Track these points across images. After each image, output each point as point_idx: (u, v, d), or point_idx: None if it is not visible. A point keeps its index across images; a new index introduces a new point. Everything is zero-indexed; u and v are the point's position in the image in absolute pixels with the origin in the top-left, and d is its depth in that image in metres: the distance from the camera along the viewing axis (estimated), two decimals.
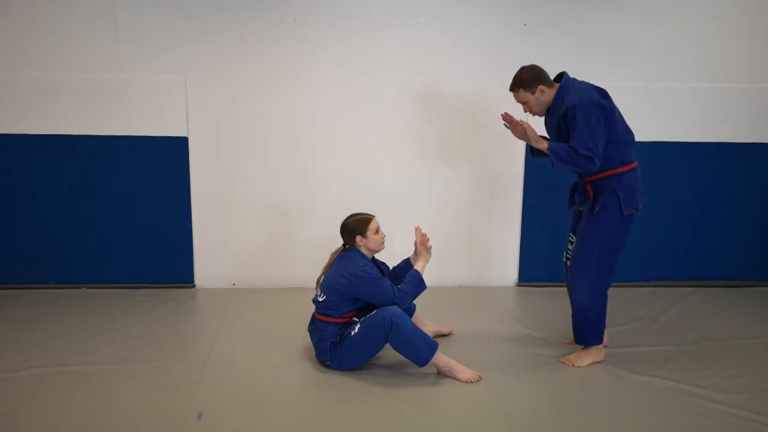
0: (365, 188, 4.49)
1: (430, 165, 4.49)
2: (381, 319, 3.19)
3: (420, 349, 3.22)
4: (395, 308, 3.24)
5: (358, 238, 3.40)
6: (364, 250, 3.42)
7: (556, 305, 4.30)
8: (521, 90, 3.33)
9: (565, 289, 4.57)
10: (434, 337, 3.68)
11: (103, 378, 3.28)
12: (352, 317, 3.36)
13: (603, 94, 3.27)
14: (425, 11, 4.30)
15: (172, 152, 4.38)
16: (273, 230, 4.54)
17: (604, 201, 3.31)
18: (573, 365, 3.41)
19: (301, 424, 2.90)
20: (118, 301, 4.29)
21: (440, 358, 3.29)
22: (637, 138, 4.45)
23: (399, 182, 4.51)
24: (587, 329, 3.42)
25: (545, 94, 3.32)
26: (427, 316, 3.95)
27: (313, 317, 3.45)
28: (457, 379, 3.27)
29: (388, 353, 3.49)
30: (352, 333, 3.27)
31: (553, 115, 3.36)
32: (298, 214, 4.52)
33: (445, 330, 3.82)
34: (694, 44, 4.42)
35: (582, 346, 3.50)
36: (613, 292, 4.49)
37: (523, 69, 3.35)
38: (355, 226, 3.41)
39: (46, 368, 3.37)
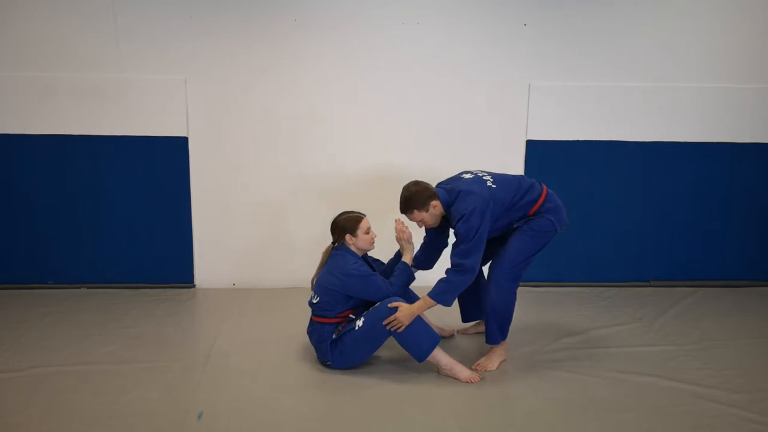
0: (365, 188, 4.49)
1: (430, 165, 4.48)
2: (387, 310, 3.20)
3: (421, 341, 3.23)
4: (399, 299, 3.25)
5: (348, 237, 3.38)
6: (353, 249, 3.40)
7: (555, 305, 4.30)
8: (415, 211, 3.31)
9: (565, 289, 4.59)
10: None
11: (103, 378, 3.28)
12: (348, 315, 3.36)
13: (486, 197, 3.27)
14: (425, 11, 4.29)
15: (172, 152, 4.38)
16: (273, 230, 4.54)
17: (540, 222, 3.38)
18: (485, 369, 3.38)
19: (300, 424, 2.90)
20: (118, 301, 4.28)
21: (442, 357, 3.30)
22: (637, 138, 4.50)
23: (399, 182, 4.49)
24: (495, 327, 3.43)
25: (438, 207, 3.32)
26: (427, 317, 3.94)
27: (311, 320, 3.45)
28: (458, 379, 3.27)
29: (387, 353, 3.49)
30: (356, 327, 3.27)
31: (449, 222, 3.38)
32: (298, 214, 4.52)
33: (446, 332, 3.82)
34: (694, 44, 4.42)
35: (490, 347, 3.49)
36: (613, 292, 4.54)
37: (410, 189, 3.32)
38: (346, 224, 3.39)
39: (46, 368, 3.36)
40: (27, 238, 4.45)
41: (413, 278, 3.45)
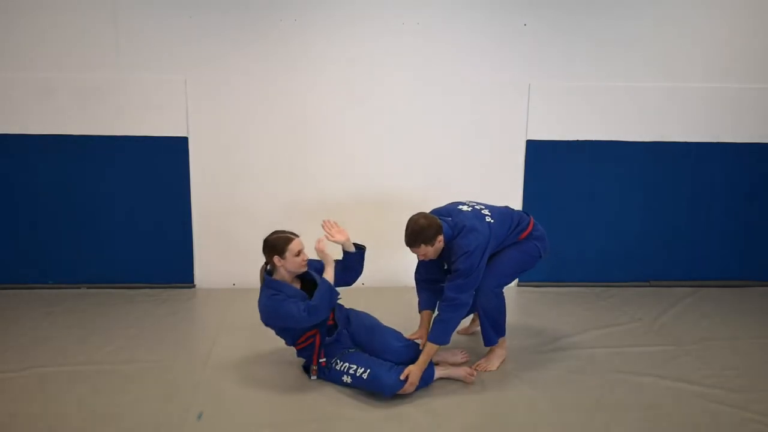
0: (365, 188, 4.49)
1: (429, 165, 4.49)
2: (395, 372, 3.12)
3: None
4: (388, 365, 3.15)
5: (276, 258, 3.15)
6: (282, 271, 3.19)
7: (556, 305, 4.30)
8: (422, 245, 3.20)
9: (565, 289, 4.59)
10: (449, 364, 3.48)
11: (103, 378, 3.28)
12: (309, 336, 3.22)
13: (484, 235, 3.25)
14: (425, 11, 4.29)
15: (172, 152, 4.38)
16: (273, 230, 4.53)
17: (528, 245, 3.45)
18: (486, 370, 3.39)
19: (300, 424, 2.90)
20: (118, 301, 4.28)
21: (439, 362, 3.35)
22: (638, 138, 4.50)
23: (399, 182, 4.50)
24: (490, 328, 3.43)
25: (441, 242, 3.24)
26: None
27: None
28: (456, 377, 3.30)
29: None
30: (357, 374, 3.14)
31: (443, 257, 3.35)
32: (298, 213, 4.51)
33: (460, 358, 3.55)
34: (694, 44, 4.41)
35: (489, 348, 3.50)
36: (613, 292, 4.53)
37: (420, 223, 3.18)
38: (276, 244, 3.16)
39: (46, 368, 3.36)
40: (27, 238, 4.45)
41: (335, 294, 3.21)
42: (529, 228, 3.46)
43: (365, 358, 3.20)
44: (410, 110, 4.42)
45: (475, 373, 3.31)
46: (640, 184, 4.58)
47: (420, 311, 3.50)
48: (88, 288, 4.49)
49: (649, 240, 4.65)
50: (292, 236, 3.20)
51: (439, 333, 3.19)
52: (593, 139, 4.49)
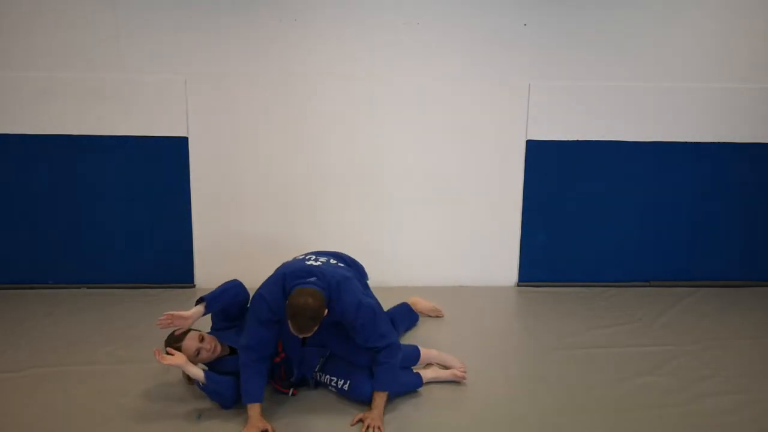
0: (365, 188, 4.48)
1: (429, 164, 4.49)
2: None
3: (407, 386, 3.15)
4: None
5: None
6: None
7: (556, 305, 4.30)
8: (316, 326, 2.81)
9: (565, 289, 4.59)
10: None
11: (103, 378, 3.28)
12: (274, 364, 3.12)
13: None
14: (425, 11, 4.29)
15: (172, 152, 4.38)
16: (273, 230, 4.54)
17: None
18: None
19: (300, 423, 2.90)
20: (118, 301, 4.28)
21: (429, 367, 3.32)
22: (638, 138, 4.50)
23: (399, 182, 4.50)
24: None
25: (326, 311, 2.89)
26: (428, 317, 3.96)
27: None
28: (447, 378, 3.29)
29: None
30: (339, 385, 3.10)
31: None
32: (298, 213, 4.52)
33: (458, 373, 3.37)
34: (694, 44, 4.41)
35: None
36: (613, 292, 4.53)
37: (311, 304, 2.75)
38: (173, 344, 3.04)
39: (46, 368, 3.37)
40: (27, 238, 4.45)
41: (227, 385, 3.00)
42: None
43: (343, 367, 3.13)
44: (410, 110, 4.42)
45: (463, 367, 3.30)
46: (640, 184, 4.57)
47: (251, 403, 2.90)
48: (88, 288, 4.49)
49: (649, 240, 4.65)
50: (180, 339, 3.03)
51: (387, 381, 2.93)
52: (593, 139, 4.49)
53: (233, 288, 3.26)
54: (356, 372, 3.09)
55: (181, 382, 3.23)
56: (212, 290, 3.22)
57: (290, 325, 2.80)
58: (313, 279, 2.88)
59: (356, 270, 3.34)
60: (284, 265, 3.10)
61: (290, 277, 2.92)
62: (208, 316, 3.26)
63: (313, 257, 3.15)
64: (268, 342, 2.95)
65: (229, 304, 3.23)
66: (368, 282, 3.37)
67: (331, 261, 3.16)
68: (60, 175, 4.38)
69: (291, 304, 2.77)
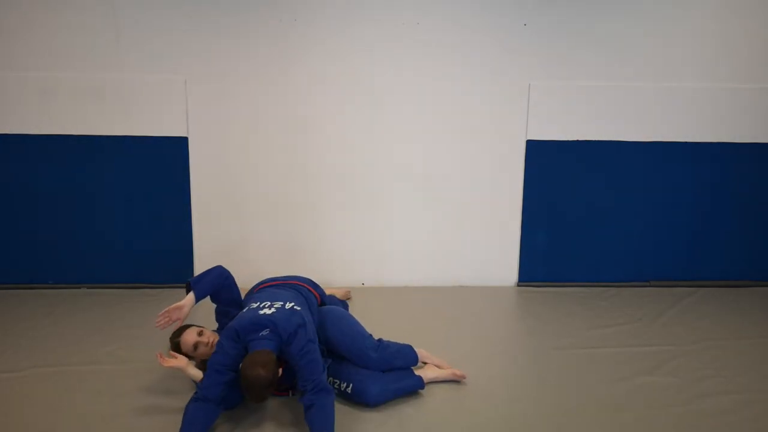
0: (365, 188, 4.49)
1: (429, 164, 4.49)
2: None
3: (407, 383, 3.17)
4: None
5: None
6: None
7: (556, 305, 4.30)
8: (272, 390, 2.84)
9: (565, 289, 4.59)
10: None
11: (103, 378, 3.28)
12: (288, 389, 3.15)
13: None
14: (425, 11, 4.29)
15: (172, 152, 4.38)
16: (273, 230, 4.54)
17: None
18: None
19: (300, 424, 2.90)
20: (118, 301, 4.28)
21: (428, 369, 3.31)
22: (638, 138, 4.50)
23: (399, 182, 4.50)
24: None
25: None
26: (427, 317, 3.96)
27: None
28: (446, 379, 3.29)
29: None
30: (342, 388, 3.11)
31: None
32: (298, 213, 4.52)
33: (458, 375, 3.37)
34: (694, 44, 4.41)
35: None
36: (613, 292, 4.53)
37: (263, 375, 2.73)
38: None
39: (46, 368, 3.37)
40: (27, 238, 4.45)
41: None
42: (317, 296, 3.43)
43: (345, 369, 3.15)
44: (410, 110, 4.42)
45: (450, 367, 3.32)
46: (640, 184, 4.57)
47: None
48: (88, 288, 4.49)
49: (649, 240, 4.64)
50: (179, 334, 3.14)
51: (326, 425, 2.79)
52: (593, 139, 4.49)
53: (215, 269, 3.34)
54: (359, 375, 3.11)
55: (181, 382, 3.23)
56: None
57: (246, 395, 2.83)
58: (265, 332, 2.88)
59: (310, 293, 3.38)
60: (237, 318, 3.03)
61: (242, 332, 2.90)
62: (211, 317, 3.25)
63: (267, 304, 3.07)
64: (219, 384, 2.90)
65: (218, 286, 3.27)
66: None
67: (287, 305, 3.07)
68: (60, 175, 4.38)
69: (245, 376, 2.76)
